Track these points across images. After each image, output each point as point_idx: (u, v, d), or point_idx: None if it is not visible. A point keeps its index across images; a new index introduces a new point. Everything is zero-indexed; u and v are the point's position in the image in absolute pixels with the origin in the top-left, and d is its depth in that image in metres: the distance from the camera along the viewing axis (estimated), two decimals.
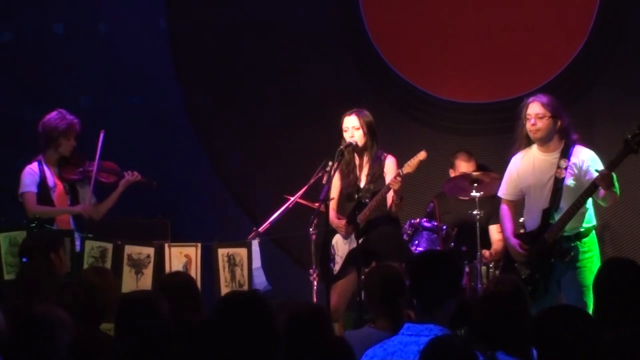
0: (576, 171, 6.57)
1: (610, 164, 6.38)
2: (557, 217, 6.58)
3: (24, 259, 6.42)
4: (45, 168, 7.64)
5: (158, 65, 9.30)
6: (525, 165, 6.75)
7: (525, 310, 4.52)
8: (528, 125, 6.63)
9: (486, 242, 7.84)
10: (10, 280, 6.90)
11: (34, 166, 7.65)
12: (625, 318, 4.18)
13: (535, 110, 6.62)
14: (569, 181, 6.58)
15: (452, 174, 8.21)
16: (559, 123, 6.62)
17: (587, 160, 6.62)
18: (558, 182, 6.59)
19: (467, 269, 7.59)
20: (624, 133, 8.39)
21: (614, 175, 6.39)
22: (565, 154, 6.62)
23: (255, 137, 9.16)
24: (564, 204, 6.57)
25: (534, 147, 6.72)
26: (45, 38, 9.38)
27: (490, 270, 7.75)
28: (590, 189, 6.41)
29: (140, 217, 8.50)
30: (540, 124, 6.61)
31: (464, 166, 8.13)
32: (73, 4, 9.37)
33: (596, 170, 6.42)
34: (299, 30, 9.15)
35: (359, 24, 9.08)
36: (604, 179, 6.31)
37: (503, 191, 6.92)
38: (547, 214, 6.60)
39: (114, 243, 7.30)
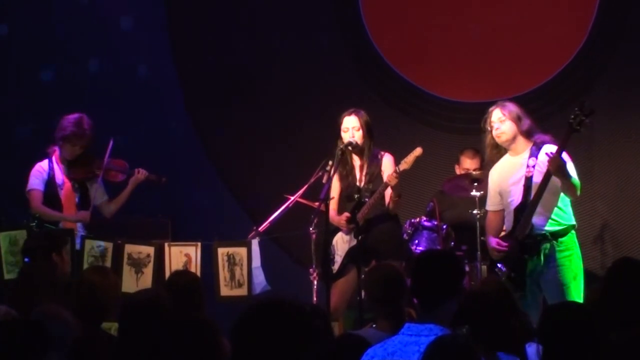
0: (544, 168, 6.61)
1: (558, 147, 6.46)
2: None
3: (26, 259, 6.40)
4: (56, 165, 7.62)
5: (159, 65, 9.30)
6: (501, 172, 6.82)
7: (512, 308, 4.51)
8: (493, 132, 6.73)
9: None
10: (10, 279, 6.90)
11: (44, 164, 7.60)
12: (634, 317, 4.19)
13: (496, 116, 6.74)
14: (538, 178, 6.61)
15: (457, 169, 8.24)
16: (521, 125, 6.70)
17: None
18: (528, 181, 6.65)
19: (467, 269, 7.58)
20: (624, 131, 8.48)
21: (569, 163, 6.48)
22: (534, 153, 6.68)
23: (255, 137, 9.15)
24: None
25: (506, 155, 6.81)
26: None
27: None
28: (545, 177, 6.48)
29: (140, 216, 8.50)
30: (503, 127, 6.71)
31: (468, 162, 8.15)
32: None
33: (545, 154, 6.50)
34: (299, 30, 9.15)
35: (359, 23, 9.08)
36: (551, 160, 6.39)
37: (487, 204, 7.00)
38: (518, 212, 6.65)
39: (114, 242, 7.30)
